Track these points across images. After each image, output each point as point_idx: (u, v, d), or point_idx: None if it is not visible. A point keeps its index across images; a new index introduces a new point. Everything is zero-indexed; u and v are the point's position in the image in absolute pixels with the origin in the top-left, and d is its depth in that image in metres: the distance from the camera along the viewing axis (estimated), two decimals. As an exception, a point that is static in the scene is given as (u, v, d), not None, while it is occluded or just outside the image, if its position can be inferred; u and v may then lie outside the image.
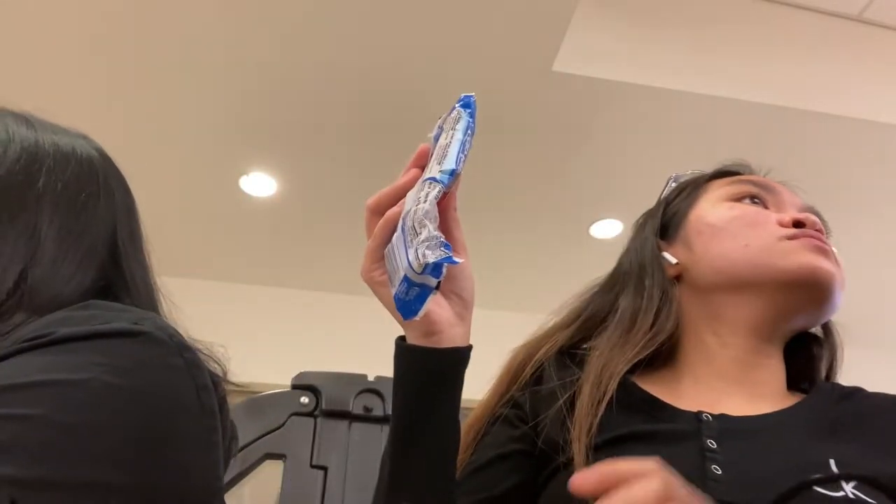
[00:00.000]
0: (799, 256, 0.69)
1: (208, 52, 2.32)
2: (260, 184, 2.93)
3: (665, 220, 0.84)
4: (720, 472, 0.59)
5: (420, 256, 0.52)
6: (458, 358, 0.61)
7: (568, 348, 0.78)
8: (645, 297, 0.76)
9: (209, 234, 3.21)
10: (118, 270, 0.72)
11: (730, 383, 0.71)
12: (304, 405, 1.13)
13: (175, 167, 2.77)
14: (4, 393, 0.50)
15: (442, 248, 0.52)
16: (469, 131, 0.58)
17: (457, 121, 0.59)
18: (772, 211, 0.76)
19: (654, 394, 0.70)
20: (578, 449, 0.63)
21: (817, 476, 0.55)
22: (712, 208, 0.78)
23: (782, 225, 0.72)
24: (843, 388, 0.73)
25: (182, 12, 2.19)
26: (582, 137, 2.67)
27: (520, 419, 0.73)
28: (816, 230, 0.72)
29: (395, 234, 0.56)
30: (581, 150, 2.72)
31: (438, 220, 0.55)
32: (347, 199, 2.76)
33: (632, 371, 0.73)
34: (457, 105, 0.60)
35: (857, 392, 0.71)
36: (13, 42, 2.23)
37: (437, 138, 0.61)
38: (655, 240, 0.81)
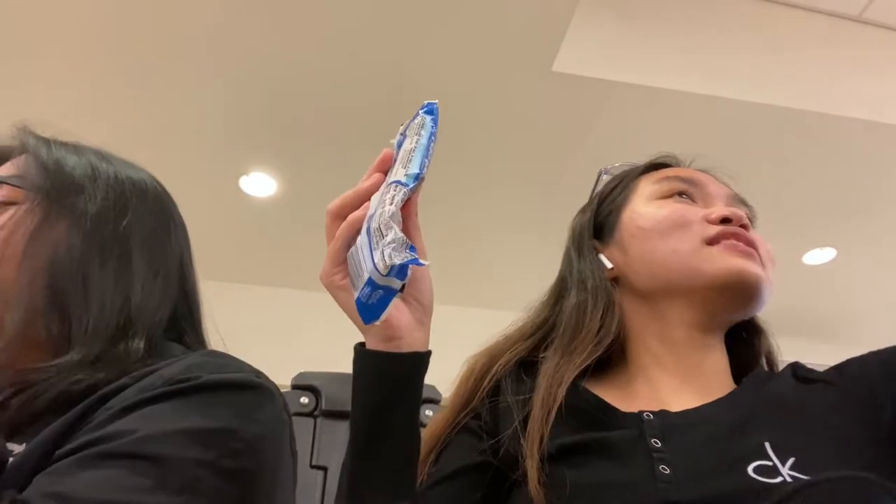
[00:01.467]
0: (723, 262, 0.71)
1: (208, 52, 2.32)
2: (260, 184, 2.93)
3: (599, 220, 0.85)
4: (668, 472, 0.61)
5: (386, 258, 0.51)
6: (419, 363, 0.61)
7: (526, 359, 0.78)
8: (588, 302, 0.77)
9: (209, 235, 3.20)
10: (185, 299, 0.80)
11: (680, 381, 0.73)
12: (303, 405, 1.13)
13: (175, 167, 2.76)
14: (179, 436, 0.56)
15: (408, 251, 0.52)
16: (433, 137, 0.58)
17: (421, 126, 0.58)
18: (699, 206, 0.78)
19: (607, 397, 0.72)
20: (531, 465, 0.63)
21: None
22: (643, 209, 0.79)
23: (709, 222, 0.74)
24: (772, 370, 0.77)
25: (182, 13, 2.19)
26: (581, 137, 2.67)
27: (483, 430, 0.73)
28: (742, 225, 0.74)
29: (360, 238, 0.56)
30: (580, 151, 2.72)
31: (402, 223, 0.55)
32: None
33: (585, 375, 0.74)
34: (420, 111, 0.60)
35: (784, 372, 0.73)
36: (12, 41, 2.23)
37: (399, 144, 0.61)
38: (591, 243, 0.83)
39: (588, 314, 0.76)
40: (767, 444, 0.60)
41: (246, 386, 0.62)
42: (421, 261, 0.52)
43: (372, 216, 0.55)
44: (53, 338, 0.67)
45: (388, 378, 0.60)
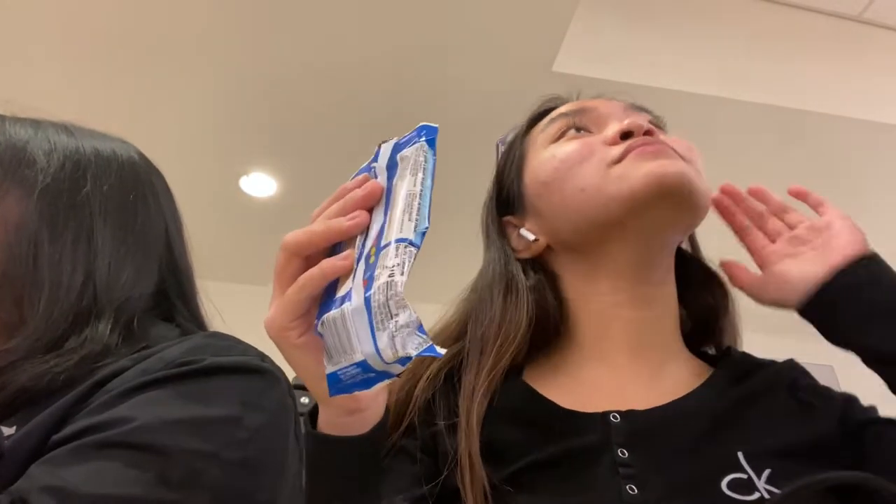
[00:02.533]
0: (634, 173, 0.62)
1: (209, 52, 2.32)
2: (260, 184, 2.93)
3: (505, 194, 0.76)
4: (636, 492, 0.54)
5: (398, 346, 0.42)
6: (384, 433, 0.54)
7: (454, 367, 0.69)
8: (492, 293, 0.69)
9: (209, 235, 3.20)
10: (174, 274, 0.75)
11: (631, 356, 0.66)
12: (304, 405, 1.12)
13: (175, 168, 2.76)
14: (179, 426, 0.54)
15: (421, 336, 0.43)
16: (433, 170, 0.48)
17: (422, 161, 0.48)
18: (596, 134, 0.69)
19: (560, 392, 0.64)
20: (474, 498, 0.55)
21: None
22: (538, 162, 0.70)
23: (608, 144, 0.65)
24: (750, 362, 0.68)
25: (182, 13, 2.19)
26: (582, 137, 2.67)
27: (420, 451, 0.64)
28: (646, 132, 0.65)
29: (348, 306, 0.44)
30: (581, 151, 2.71)
31: None
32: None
33: (529, 361, 0.68)
34: (420, 139, 0.49)
35: (760, 367, 0.67)
36: (11, 40, 2.23)
37: (391, 172, 0.50)
38: (502, 222, 0.75)
39: (492, 308, 0.68)
40: (741, 454, 0.55)
41: (250, 370, 0.60)
42: (438, 349, 0.43)
43: (375, 285, 0.43)
44: (6, 323, 0.63)
45: (357, 464, 0.52)
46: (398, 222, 0.45)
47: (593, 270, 0.68)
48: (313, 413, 0.54)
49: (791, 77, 2.53)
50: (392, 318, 0.42)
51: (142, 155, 0.77)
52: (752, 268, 0.72)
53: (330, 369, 0.45)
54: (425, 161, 0.48)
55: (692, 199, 0.63)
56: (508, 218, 0.75)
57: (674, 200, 0.62)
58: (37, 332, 0.61)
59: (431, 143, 0.49)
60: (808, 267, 0.65)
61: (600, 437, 0.58)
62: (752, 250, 0.73)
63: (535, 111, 0.79)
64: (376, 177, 0.50)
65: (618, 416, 0.60)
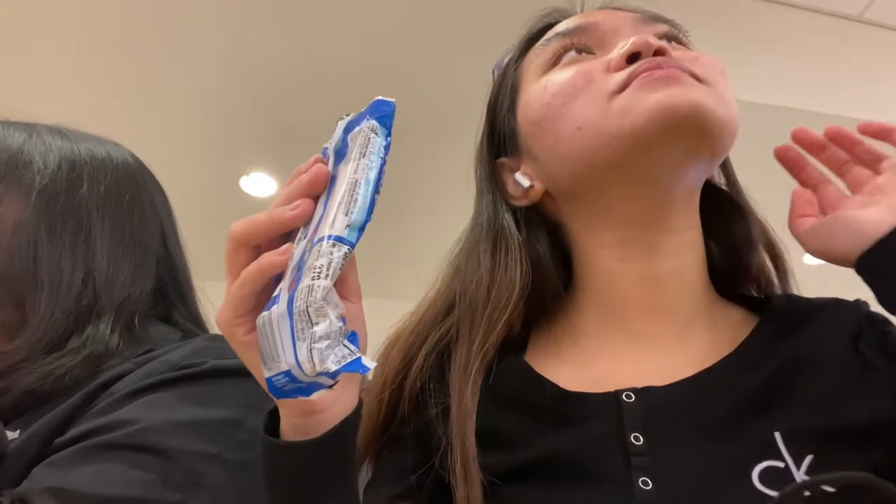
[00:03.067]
0: (638, 106, 0.51)
1: (208, 52, 2.32)
2: (260, 184, 2.93)
3: (498, 133, 0.65)
4: (650, 488, 0.46)
5: (315, 360, 0.38)
6: (349, 432, 0.47)
7: (448, 346, 0.61)
8: (480, 251, 0.61)
9: (209, 235, 3.20)
10: (171, 272, 0.75)
11: (648, 319, 0.57)
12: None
13: (175, 168, 2.76)
14: (188, 427, 0.54)
15: (346, 346, 0.39)
16: (385, 159, 0.43)
17: (368, 141, 0.43)
18: (599, 55, 0.58)
19: (562, 366, 0.57)
20: (467, 486, 0.50)
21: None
22: (531, 95, 0.60)
23: (614, 69, 0.54)
24: (803, 306, 0.58)
25: (181, 12, 2.19)
26: (582, 137, 2.66)
27: (413, 439, 0.58)
28: (658, 51, 0.54)
29: (276, 308, 0.40)
30: (581, 151, 2.71)
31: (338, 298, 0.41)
32: (347, 200, 2.75)
33: (534, 328, 0.61)
34: (370, 117, 0.44)
35: (817, 312, 0.57)
36: (12, 40, 2.23)
37: (339, 154, 0.45)
38: (488, 165, 0.65)
39: (479, 268, 0.59)
40: (779, 436, 0.47)
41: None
42: (365, 364, 0.39)
43: (297, 288, 0.39)
44: (8, 325, 0.64)
45: (312, 474, 0.45)
46: (332, 216, 0.41)
47: (597, 220, 0.59)
48: (273, 414, 0.48)
49: (791, 77, 2.52)
50: (311, 326, 0.38)
51: (135, 157, 0.78)
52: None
53: (266, 374, 0.42)
54: (373, 142, 0.43)
55: (710, 132, 0.52)
56: (503, 160, 0.65)
57: (687, 136, 0.52)
58: (38, 332, 0.62)
59: (383, 120, 0.44)
60: (881, 215, 0.53)
61: (612, 421, 0.50)
62: (823, 206, 0.61)
63: (531, 29, 0.67)
64: (328, 159, 0.46)
65: (632, 395, 0.51)
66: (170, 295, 0.74)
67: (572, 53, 0.59)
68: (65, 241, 0.66)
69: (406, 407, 0.59)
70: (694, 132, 0.52)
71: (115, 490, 0.49)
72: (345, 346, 0.39)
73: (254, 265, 0.43)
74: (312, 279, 0.39)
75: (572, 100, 0.55)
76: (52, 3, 2.12)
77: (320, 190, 0.45)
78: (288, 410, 0.46)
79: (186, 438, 0.53)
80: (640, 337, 0.57)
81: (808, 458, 0.45)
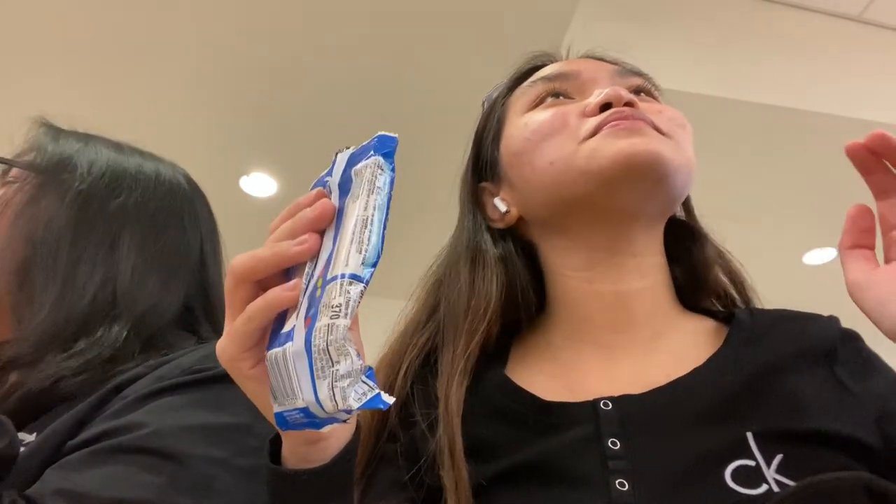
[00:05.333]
0: (604, 150, 0.58)
1: (208, 52, 2.32)
2: (260, 184, 2.93)
3: (483, 160, 0.72)
4: (627, 488, 0.49)
5: (339, 398, 0.38)
6: (351, 457, 0.49)
7: (430, 352, 0.65)
8: (460, 266, 0.65)
9: (209, 235, 3.21)
10: (203, 291, 0.76)
11: (616, 333, 0.61)
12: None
13: (175, 167, 2.77)
14: (196, 432, 0.54)
15: (365, 382, 0.39)
16: (391, 188, 0.43)
17: (375, 177, 0.42)
18: (577, 100, 0.65)
19: (541, 377, 0.60)
20: (456, 490, 0.52)
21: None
22: (513, 130, 0.66)
23: (588, 115, 0.61)
24: (763, 320, 0.60)
25: (181, 13, 2.19)
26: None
27: (401, 456, 0.60)
28: (627, 103, 0.60)
29: (291, 346, 0.41)
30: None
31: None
32: (348, 200, 2.75)
33: (511, 338, 0.65)
34: (376, 153, 0.43)
35: (774, 326, 0.59)
36: (11, 40, 2.23)
37: (343, 188, 0.44)
38: (478, 189, 0.71)
39: (459, 281, 0.64)
40: (750, 436, 0.49)
41: None
42: (385, 399, 0.39)
43: (314, 316, 0.39)
44: (18, 316, 0.65)
45: (319, 499, 0.47)
46: (345, 253, 0.40)
47: (566, 244, 0.64)
48: (275, 440, 0.49)
49: (791, 77, 2.52)
50: (333, 365, 0.38)
51: (189, 179, 0.81)
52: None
53: (276, 409, 0.42)
54: (380, 179, 0.42)
55: (665, 177, 0.58)
56: (485, 185, 0.71)
57: (644, 179, 0.58)
58: (44, 324, 0.63)
59: (388, 156, 0.43)
60: None
61: (590, 428, 0.53)
62: (883, 227, 0.52)
63: (520, 70, 0.74)
64: (330, 193, 0.45)
65: (609, 402, 0.54)
66: (196, 311, 0.75)
67: (551, 98, 0.66)
68: (89, 243, 0.68)
69: (393, 421, 0.61)
70: (650, 176, 0.58)
71: (125, 493, 0.50)
72: (364, 382, 0.39)
73: (262, 301, 0.43)
74: (332, 318, 0.38)
75: (548, 138, 0.62)
76: (52, 3, 2.12)
77: (326, 225, 0.44)
78: (293, 439, 0.46)
79: (196, 443, 0.54)
80: (608, 349, 0.61)
81: (778, 458, 0.48)
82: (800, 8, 2.59)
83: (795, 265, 3.35)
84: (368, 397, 0.39)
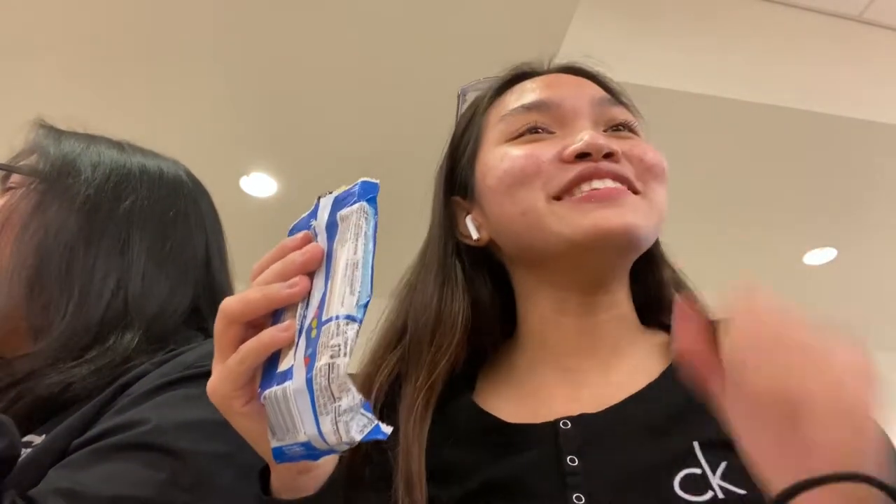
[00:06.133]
0: (576, 220, 0.58)
1: (209, 52, 2.32)
2: (260, 184, 2.93)
3: (457, 174, 0.70)
4: (582, 502, 0.51)
5: (342, 431, 0.40)
6: (338, 484, 0.51)
7: (397, 377, 0.65)
8: (428, 283, 0.65)
9: (209, 235, 3.21)
10: (210, 291, 0.76)
11: (578, 358, 0.62)
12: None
13: (175, 168, 2.77)
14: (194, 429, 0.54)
15: (364, 415, 0.41)
16: (375, 232, 0.45)
17: (363, 225, 0.45)
18: (558, 136, 0.63)
19: (506, 402, 0.62)
20: None
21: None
22: (492, 158, 0.64)
23: (564, 161, 0.60)
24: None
25: (183, 13, 2.19)
26: (582, 138, 2.66)
27: (376, 477, 0.59)
28: (607, 155, 0.60)
29: (291, 384, 0.43)
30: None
31: None
32: (348, 200, 2.75)
33: (480, 359, 0.65)
34: (360, 199, 0.45)
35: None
36: (10, 40, 2.23)
37: (330, 232, 0.47)
38: (445, 197, 0.69)
39: (426, 298, 0.64)
40: (697, 445, 0.51)
41: None
42: (384, 430, 0.42)
43: (313, 355, 0.42)
44: (34, 328, 0.65)
45: None
46: (339, 295, 0.43)
47: (537, 280, 0.65)
48: (263, 472, 0.51)
49: (791, 77, 2.53)
50: (335, 401, 0.41)
51: (190, 175, 0.80)
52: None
53: (274, 444, 0.44)
54: (366, 224, 0.45)
55: (635, 245, 0.60)
56: (458, 199, 0.70)
57: (613, 249, 0.60)
58: (62, 338, 0.63)
59: (372, 201, 0.46)
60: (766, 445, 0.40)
61: (550, 447, 0.55)
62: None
63: (502, 80, 0.71)
64: (316, 236, 0.48)
65: (568, 422, 0.57)
66: (203, 310, 0.75)
67: (530, 134, 0.64)
68: (101, 250, 0.67)
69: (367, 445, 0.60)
70: (620, 247, 0.60)
71: (124, 490, 0.50)
72: (363, 415, 0.42)
73: (256, 342, 0.44)
74: (332, 357, 0.41)
75: (519, 185, 0.61)
76: (54, 2, 2.12)
77: (316, 268, 0.46)
78: (287, 470, 0.49)
79: (197, 439, 0.54)
80: (571, 372, 0.62)
81: (723, 465, 0.50)
82: (800, 8, 2.59)
83: (795, 265, 3.35)
84: (369, 429, 0.41)
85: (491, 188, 0.64)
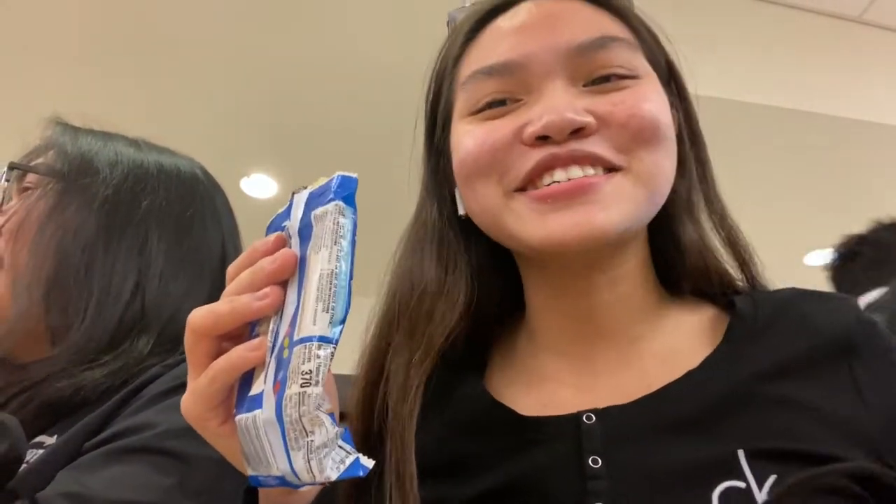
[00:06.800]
0: (533, 227, 0.50)
1: (208, 53, 2.32)
2: (261, 185, 2.93)
3: (437, 142, 0.61)
4: None
5: (315, 470, 0.36)
6: (330, 496, 0.48)
7: None
8: (425, 252, 0.57)
9: (210, 236, 3.21)
10: (225, 289, 0.74)
11: (587, 345, 0.55)
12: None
13: (176, 169, 2.77)
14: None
15: (342, 447, 0.37)
16: (354, 233, 0.40)
17: (337, 224, 0.39)
18: (523, 106, 0.52)
19: (521, 389, 0.55)
20: None
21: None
22: (455, 136, 0.56)
23: (525, 143, 0.51)
24: (764, 310, 0.53)
25: (182, 13, 2.19)
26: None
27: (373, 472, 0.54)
28: (578, 130, 0.49)
29: (261, 414, 0.39)
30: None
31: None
32: (348, 201, 2.75)
33: (488, 341, 0.59)
34: (335, 198, 0.40)
35: (779, 316, 0.52)
36: (10, 39, 2.23)
37: (304, 234, 0.41)
38: (431, 168, 0.62)
39: (423, 273, 0.56)
40: (742, 454, 0.44)
41: None
42: (364, 464, 0.37)
43: (283, 380, 0.37)
44: (52, 330, 0.64)
45: None
46: (311, 312, 0.38)
47: (526, 262, 0.58)
48: (249, 489, 0.47)
49: (791, 78, 2.52)
50: (307, 436, 0.36)
51: (206, 172, 0.80)
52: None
53: (250, 472, 0.41)
54: (342, 226, 0.39)
55: (609, 244, 0.50)
56: (446, 165, 0.61)
57: (582, 253, 0.51)
58: (81, 341, 0.62)
59: (349, 199, 0.40)
60: None
61: (570, 444, 0.48)
62: None
63: (474, 17, 0.59)
64: (290, 238, 0.43)
65: (592, 416, 0.49)
66: None
67: (491, 108, 0.54)
68: (120, 251, 0.67)
69: (380, 425, 0.55)
70: (589, 250, 0.50)
71: (131, 495, 0.49)
72: (340, 447, 0.37)
73: (224, 361, 0.40)
74: (302, 386, 0.36)
75: (476, 176, 0.53)
76: (54, 3, 2.12)
77: (288, 276, 0.41)
78: (272, 491, 0.45)
79: (205, 443, 0.53)
80: (579, 360, 0.55)
81: (771, 479, 0.43)
82: (800, 8, 2.59)
83: (796, 266, 3.34)
84: (347, 465, 0.37)
85: (457, 172, 0.55)
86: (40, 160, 0.71)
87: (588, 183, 0.49)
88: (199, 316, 0.41)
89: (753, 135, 2.58)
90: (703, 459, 0.45)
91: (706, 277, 0.57)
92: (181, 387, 0.56)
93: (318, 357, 0.37)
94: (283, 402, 0.37)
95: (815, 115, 2.51)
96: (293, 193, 0.44)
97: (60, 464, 0.53)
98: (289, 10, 2.19)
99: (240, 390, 0.42)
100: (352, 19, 2.23)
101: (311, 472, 0.36)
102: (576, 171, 0.50)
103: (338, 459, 0.37)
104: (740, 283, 0.58)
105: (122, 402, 0.58)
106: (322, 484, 0.38)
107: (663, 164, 0.53)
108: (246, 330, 0.43)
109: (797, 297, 0.54)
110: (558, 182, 0.49)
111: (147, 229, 0.69)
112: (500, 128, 0.52)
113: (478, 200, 0.54)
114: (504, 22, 0.56)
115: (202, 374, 0.41)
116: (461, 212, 0.57)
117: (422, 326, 0.54)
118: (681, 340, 0.54)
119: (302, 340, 0.37)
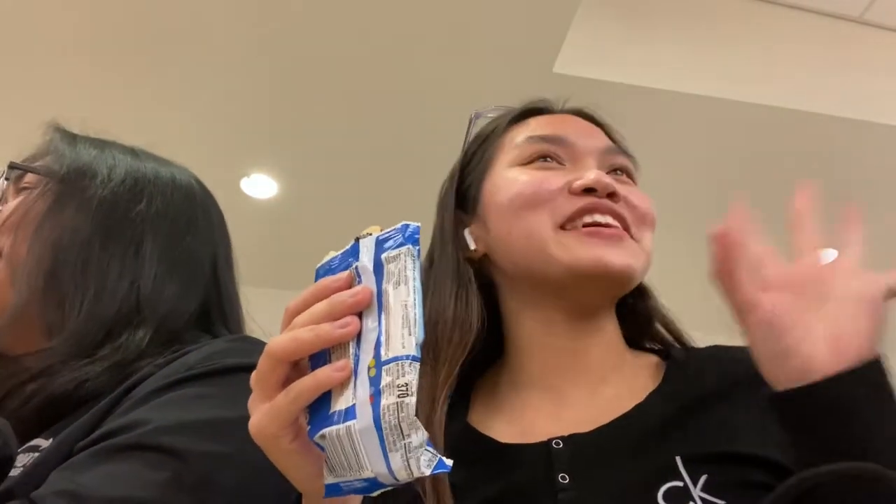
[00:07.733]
0: (580, 252, 0.63)
1: (208, 53, 2.32)
2: (261, 185, 2.93)
3: (464, 189, 0.74)
4: None
5: (413, 468, 0.42)
6: None
7: None
8: (448, 290, 0.68)
9: (210, 236, 3.21)
10: (218, 296, 0.78)
11: (565, 380, 0.66)
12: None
13: (176, 169, 2.77)
14: (192, 428, 0.54)
15: (428, 450, 0.43)
16: (422, 273, 0.47)
17: (409, 264, 0.47)
18: (567, 169, 0.68)
19: (499, 420, 0.66)
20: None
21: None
22: (501, 179, 0.69)
23: (573, 194, 0.65)
24: (696, 357, 0.67)
25: (182, 13, 2.19)
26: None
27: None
28: (611, 193, 0.65)
29: (357, 423, 0.44)
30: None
31: None
32: (349, 201, 2.76)
33: (470, 381, 0.69)
34: (407, 243, 0.47)
35: (706, 362, 0.66)
36: (11, 38, 2.23)
37: (377, 271, 0.48)
38: (455, 215, 0.73)
39: (442, 302, 0.67)
40: (679, 459, 0.55)
41: None
42: (447, 463, 0.43)
43: (377, 394, 0.43)
44: (48, 324, 0.66)
45: None
46: (398, 336, 0.45)
47: (528, 300, 0.68)
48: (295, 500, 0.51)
49: (791, 78, 2.53)
50: (404, 438, 0.43)
51: (200, 183, 0.82)
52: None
53: (330, 480, 0.46)
54: (413, 266, 0.47)
55: (627, 284, 0.65)
56: (459, 212, 0.73)
57: (608, 284, 0.64)
58: (76, 335, 0.64)
59: (416, 243, 0.47)
60: (817, 350, 0.48)
61: (542, 466, 0.58)
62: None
63: (520, 110, 0.76)
64: (359, 276, 0.49)
65: (560, 442, 0.60)
66: (212, 315, 0.77)
67: (540, 160, 0.69)
68: (116, 249, 0.69)
69: None
70: (615, 284, 0.65)
71: (125, 492, 0.50)
72: (427, 450, 0.43)
73: (311, 381, 0.45)
74: (399, 396, 0.43)
75: (529, 209, 0.66)
76: (54, 3, 2.13)
77: (366, 308, 0.47)
78: (318, 501, 0.48)
79: (198, 439, 0.54)
80: (554, 391, 0.66)
81: (703, 478, 0.53)
82: (800, 8, 2.59)
83: (796, 266, 3.34)
84: (435, 462, 0.43)
85: (499, 206, 0.68)
86: (39, 163, 0.74)
87: (623, 233, 0.65)
88: (281, 342, 0.46)
89: (753, 135, 2.59)
90: (649, 468, 0.55)
91: (652, 336, 0.73)
92: (173, 384, 0.57)
93: (410, 373, 0.44)
94: (381, 412, 0.43)
95: (815, 115, 2.52)
96: (357, 239, 0.51)
97: (54, 465, 0.54)
98: (289, 10, 2.20)
99: (314, 410, 0.46)
100: (354, 20, 2.24)
101: (409, 470, 0.43)
102: (610, 220, 0.64)
103: (427, 459, 0.43)
104: (675, 344, 0.73)
105: (115, 402, 0.59)
106: (415, 480, 0.44)
107: (651, 249, 0.68)
108: (307, 361, 0.47)
109: (720, 349, 0.68)
110: (598, 223, 0.64)
111: (142, 232, 0.71)
112: (553, 177, 0.66)
113: (526, 228, 0.65)
114: (549, 117, 0.74)
115: (280, 394, 0.45)
116: (472, 247, 0.70)
117: (445, 351, 0.64)
118: (633, 382, 0.66)
119: (394, 359, 0.44)
